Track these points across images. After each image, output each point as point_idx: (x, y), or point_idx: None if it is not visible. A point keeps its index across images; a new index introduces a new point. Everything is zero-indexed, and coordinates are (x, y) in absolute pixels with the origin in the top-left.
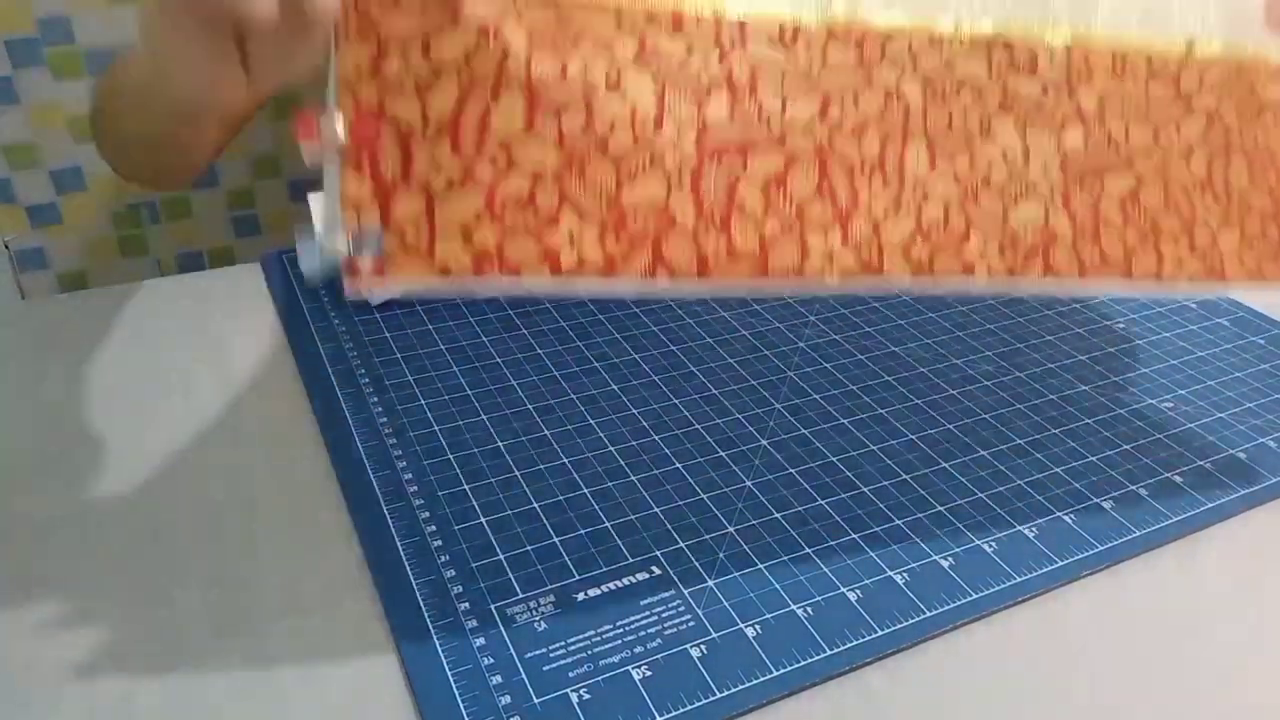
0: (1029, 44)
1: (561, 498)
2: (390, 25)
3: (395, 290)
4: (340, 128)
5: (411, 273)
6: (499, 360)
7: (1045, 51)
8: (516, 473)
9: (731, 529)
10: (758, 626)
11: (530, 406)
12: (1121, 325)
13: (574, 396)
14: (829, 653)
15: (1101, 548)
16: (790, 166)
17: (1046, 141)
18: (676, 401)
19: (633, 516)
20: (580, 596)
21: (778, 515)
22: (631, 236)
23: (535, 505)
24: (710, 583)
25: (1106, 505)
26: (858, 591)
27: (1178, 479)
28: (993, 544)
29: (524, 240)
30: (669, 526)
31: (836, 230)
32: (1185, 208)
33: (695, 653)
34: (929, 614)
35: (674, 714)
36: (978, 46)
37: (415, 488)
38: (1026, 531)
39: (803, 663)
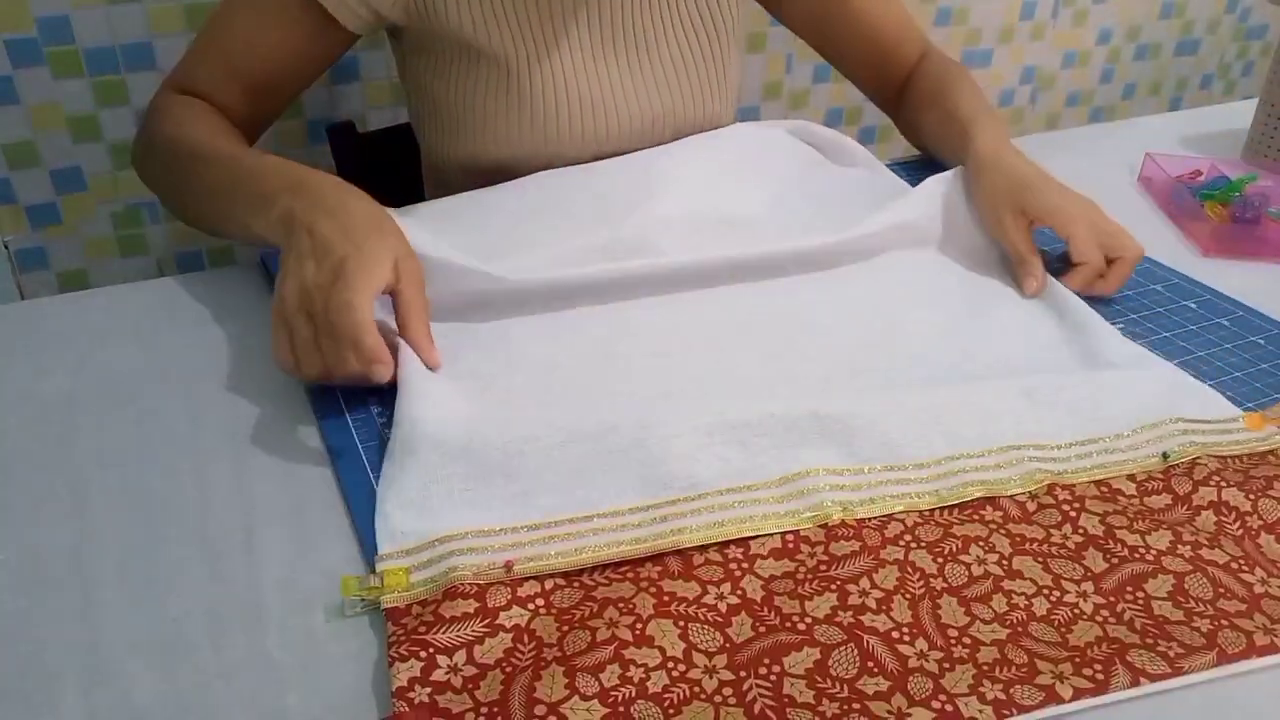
0: (1011, 497)
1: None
2: (435, 639)
3: None
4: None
5: None
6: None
7: (1028, 499)
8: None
9: None
10: None
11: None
12: (1122, 326)
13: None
14: None
15: None
16: (826, 654)
17: (1072, 568)
18: None
19: None
20: None
21: None
22: None
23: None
24: None
25: None
26: None
27: None
28: None
29: None
30: None
31: (898, 696)
32: (1238, 586)
33: None
34: None
35: None
36: (965, 509)
37: None
38: None
39: None
